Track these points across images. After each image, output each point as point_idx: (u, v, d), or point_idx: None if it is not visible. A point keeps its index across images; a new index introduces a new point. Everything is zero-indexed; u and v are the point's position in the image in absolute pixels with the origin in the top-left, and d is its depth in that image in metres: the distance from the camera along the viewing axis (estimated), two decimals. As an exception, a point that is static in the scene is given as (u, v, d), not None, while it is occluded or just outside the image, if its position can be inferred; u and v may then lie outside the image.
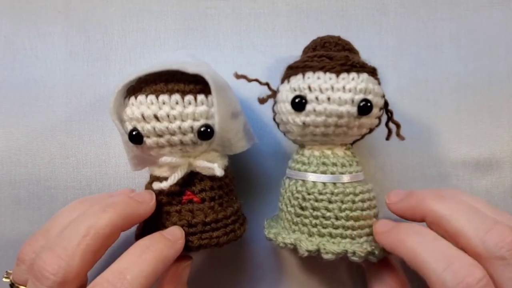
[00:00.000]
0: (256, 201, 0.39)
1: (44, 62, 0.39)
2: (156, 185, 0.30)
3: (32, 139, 0.39)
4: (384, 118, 0.33)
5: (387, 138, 0.33)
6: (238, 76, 0.33)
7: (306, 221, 0.31)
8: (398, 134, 0.33)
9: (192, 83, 0.29)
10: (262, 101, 0.34)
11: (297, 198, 0.31)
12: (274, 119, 0.33)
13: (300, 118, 0.30)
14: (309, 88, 0.29)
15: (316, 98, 0.29)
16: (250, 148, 0.35)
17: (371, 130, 0.32)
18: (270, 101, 0.33)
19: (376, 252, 0.30)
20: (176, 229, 0.30)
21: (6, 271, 0.30)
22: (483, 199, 0.29)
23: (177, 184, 0.30)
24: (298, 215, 0.31)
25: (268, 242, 0.34)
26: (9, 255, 0.39)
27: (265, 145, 0.39)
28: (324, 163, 0.31)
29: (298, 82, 0.30)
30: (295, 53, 0.39)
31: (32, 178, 0.39)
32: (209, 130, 0.28)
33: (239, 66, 0.39)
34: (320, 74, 0.29)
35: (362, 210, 0.31)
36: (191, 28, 0.40)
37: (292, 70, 0.31)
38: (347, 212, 0.30)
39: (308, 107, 0.29)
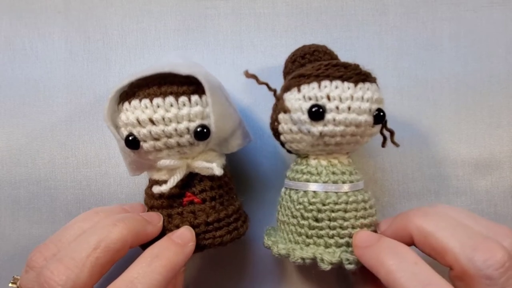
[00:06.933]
0: (253, 200, 0.39)
1: (44, 62, 0.39)
2: (156, 189, 0.30)
3: (32, 139, 0.39)
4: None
5: (383, 145, 0.33)
6: (249, 75, 0.31)
7: (322, 232, 0.30)
8: (392, 141, 0.33)
9: (185, 85, 0.29)
10: (285, 110, 0.30)
11: (311, 210, 0.30)
12: (274, 128, 0.32)
13: (317, 128, 0.29)
14: (328, 97, 0.28)
15: (337, 108, 0.28)
16: (247, 147, 0.35)
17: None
18: (264, 105, 0.32)
19: None
20: (186, 231, 0.30)
21: (13, 277, 0.29)
22: (469, 211, 0.29)
23: (177, 186, 0.30)
24: (312, 228, 0.30)
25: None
26: (9, 255, 0.39)
27: (264, 145, 0.39)
28: (334, 173, 0.31)
29: (314, 91, 0.29)
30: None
31: (32, 178, 0.39)
32: (205, 130, 0.28)
33: (239, 66, 0.39)
34: (338, 83, 0.29)
35: (372, 216, 0.31)
36: (191, 28, 0.40)
37: (304, 78, 0.29)
38: (362, 220, 0.30)
39: (328, 116, 0.28)
